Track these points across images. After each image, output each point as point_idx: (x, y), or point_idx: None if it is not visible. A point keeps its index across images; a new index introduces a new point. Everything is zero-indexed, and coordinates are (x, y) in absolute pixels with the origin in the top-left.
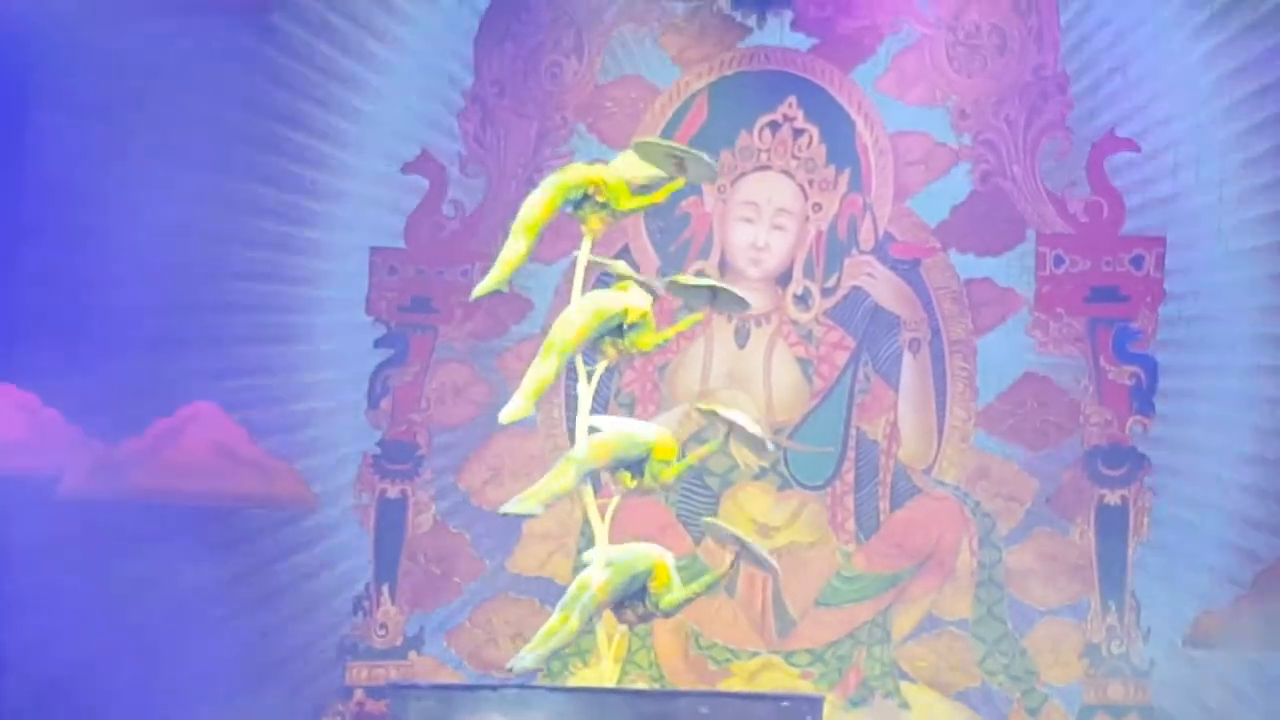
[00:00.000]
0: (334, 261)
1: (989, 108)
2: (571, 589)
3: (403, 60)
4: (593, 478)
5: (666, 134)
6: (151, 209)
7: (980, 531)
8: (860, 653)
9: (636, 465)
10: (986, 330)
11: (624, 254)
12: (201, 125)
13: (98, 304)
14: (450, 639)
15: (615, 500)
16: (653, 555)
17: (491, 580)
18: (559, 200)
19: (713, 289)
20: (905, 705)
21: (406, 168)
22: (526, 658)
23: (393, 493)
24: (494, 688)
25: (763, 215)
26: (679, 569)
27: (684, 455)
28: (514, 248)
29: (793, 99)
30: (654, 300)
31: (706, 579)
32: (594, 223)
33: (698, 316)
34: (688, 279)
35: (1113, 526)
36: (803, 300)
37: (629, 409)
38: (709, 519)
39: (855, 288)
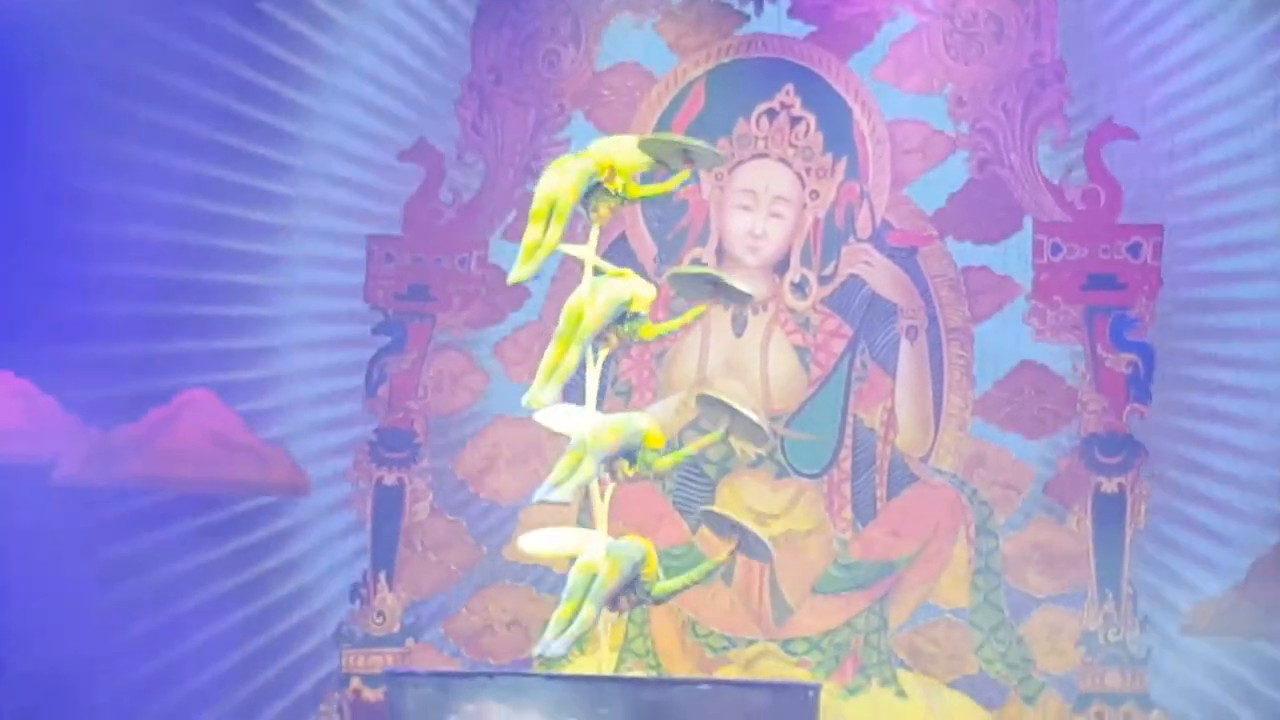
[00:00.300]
0: (331, 249)
1: (986, 96)
2: (575, 577)
3: (399, 48)
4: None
5: (664, 122)
6: (147, 198)
7: (977, 519)
8: (857, 641)
9: (633, 453)
10: (984, 318)
11: (621, 241)
12: (196, 115)
13: (94, 292)
14: (447, 626)
15: (611, 487)
16: (642, 543)
17: (488, 567)
18: (583, 184)
19: (714, 281)
20: (902, 693)
21: (404, 155)
22: (554, 645)
23: (390, 480)
24: (491, 675)
25: (760, 203)
26: (677, 557)
27: (681, 443)
28: (550, 233)
29: (790, 87)
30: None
31: (703, 567)
32: (603, 210)
33: (700, 309)
34: (689, 269)
35: (1110, 514)
36: (800, 288)
37: (626, 397)
38: (706, 508)
39: (852, 275)
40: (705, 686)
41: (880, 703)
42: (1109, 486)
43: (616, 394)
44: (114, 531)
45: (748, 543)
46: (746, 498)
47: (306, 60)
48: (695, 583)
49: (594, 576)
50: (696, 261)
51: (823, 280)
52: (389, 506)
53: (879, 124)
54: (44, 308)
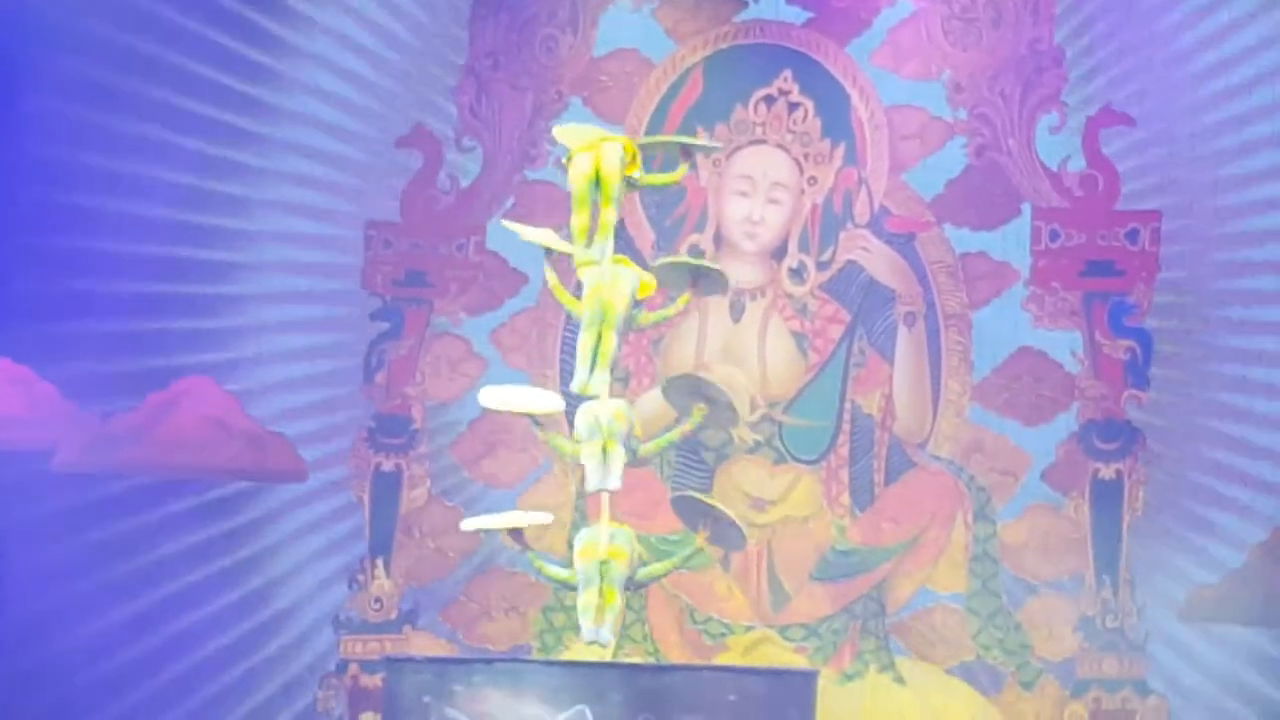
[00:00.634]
0: (329, 235)
1: (984, 82)
2: (585, 565)
3: (398, 32)
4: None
5: (662, 108)
6: (145, 184)
7: (975, 505)
8: (855, 627)
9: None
10: (982, 304)
11: (619, 228)
12: (193, 97)
13: (92, 279)
14: (445, 613)
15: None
16: (622, 527)
17: (486, 554)
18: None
19: (694, 270)
20: (900, 679)
21: (401, 141)
22: (603, 632)
23: (387, 466)
24: (489, 661)
25: (758, 189)
26: (675, 543)
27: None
28: (607, 214)
29: (788, 73)
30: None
31: (681, 555)
32: (620, 194)
33: (686, 297)
34: (668, 260)
35: (1107, 501)
36: (798, 274)
37: (624, 384)
38: (676, 495)
39: (850, 262)
40: (703, 673)
41: (878, 689)
42: (1107, 473)
43: (615, 380)
44: (112, 517)
45: (720, 530)
46: (744, 484)
47: (307, 41)
48: (675, 568)
49: (601, 562)
50: (694, 248)
51: (821, 266)
52: (387, 493)
53: (877, 110)
54: (43, 295)
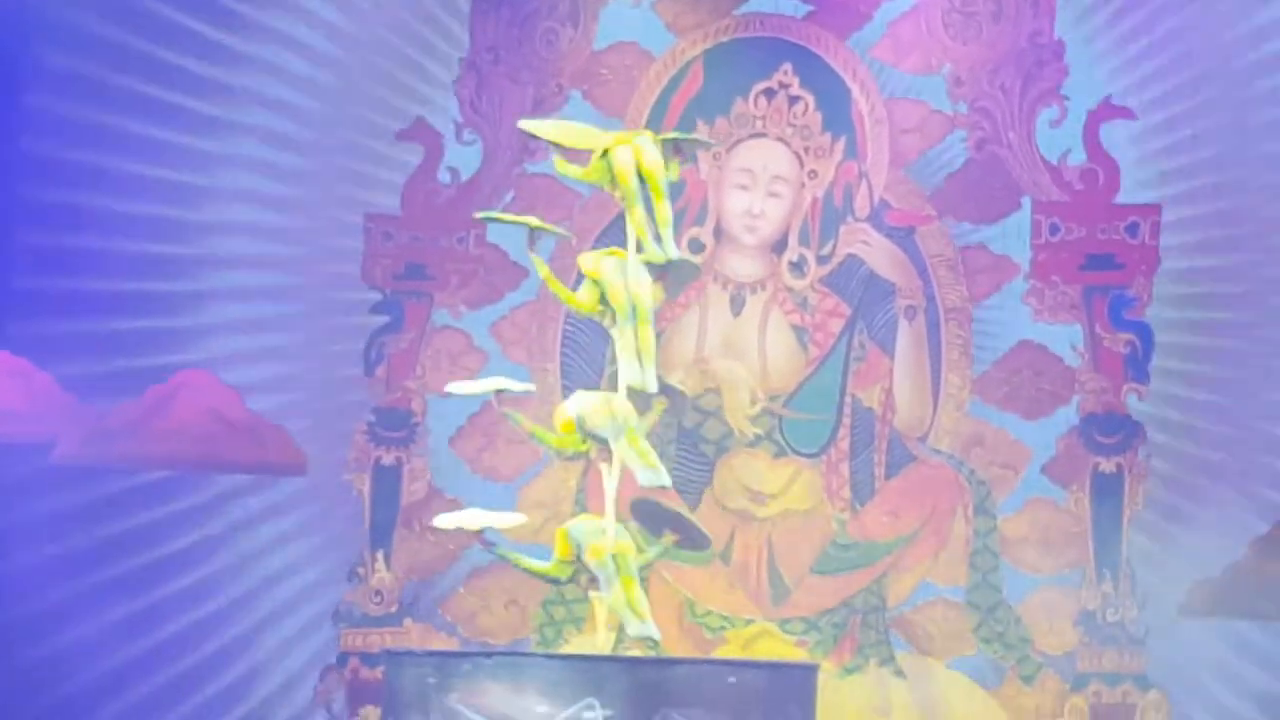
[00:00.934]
0: (329, 228)
1: (984, 75)
2: (600, 563)
3: (398, 25)
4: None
5: (662, 101)
6: (144, 175)
7: (975, 499)
8: (855, 620)
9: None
10: (982, 298)
11: (618, 221)
12: (192, 89)
13: (92, 270)
14: (445, 606)
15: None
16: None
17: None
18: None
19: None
20: (900, 673)
21: (402, 134)
22: (649, 626)
23: (387, 460)
24: (489, 655)
25: (758, 182)
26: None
27: (679, 424)
28: (662, 209)
29: (788, 66)
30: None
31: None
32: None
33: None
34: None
35: (1108, 494)
36: (798, 268)
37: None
38: (636, 498)
39: (851, 255)
40: (703, 666)
41: (878, 682)
42: (1107, 466)
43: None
44: (111, 510)
45: (684, 530)
46: (744, 477)
47: (308, 34)
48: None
49: (613, 556)
50: (694, 241)
51: (821, 260)
52: (387, 486)
53: (877, 103)
54: (42, 287)
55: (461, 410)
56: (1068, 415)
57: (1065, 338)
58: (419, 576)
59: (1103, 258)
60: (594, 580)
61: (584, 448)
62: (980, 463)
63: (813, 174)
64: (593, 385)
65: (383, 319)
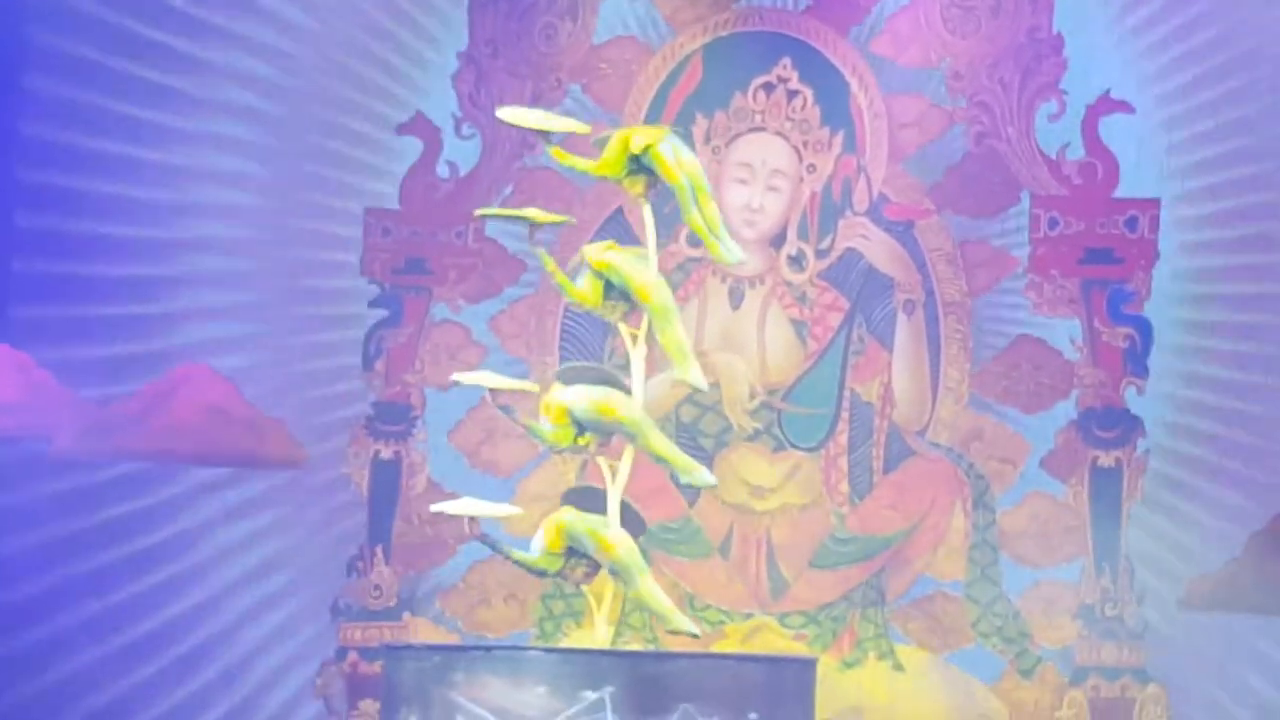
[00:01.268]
0: (328, 222)
1: (983, 70)
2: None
3: (396, 20)
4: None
5: (661, 96)
6: (145, 171)
7: (974, 493)
8: (854, 615)
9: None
10: (981, 292)
11: (618, 215)
12: (191, 86)
13: (91, 265)
14: (444, 600)
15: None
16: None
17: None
18: None
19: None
20: (899, 666)
21: (401, 129)
22: (688, 622)
23: (386, 454)
24: (488, 649)
25: (757, 177)
26: (674, 530)
27: (678, 419)
28: (709, 211)
29: (787, 60)
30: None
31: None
32: (639, 188)
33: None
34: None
35: (1107, 488)
36: (797, 262)
37: (623, 370)
38: (570, 487)
39: (849, 249)
40: (702, 660)
41: (877, 676)
42: (1106, 460)
43: (614, 367)
44: (110, 505)
45: (623, 515)
46: (743, 471)
47: (307, 30)
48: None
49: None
50: (694, 235)
51: (820, 254)
52: (386, 480)
53: (876, 98)
54: (41, 281)
55: (460, 404)
56: (1066, 409)
57: (1064, 332)
58: (418, 570)
59: (1101, 252)
60: (589, 574)
61: (584, 442)
62: (979, 456)
63: (811, 168)
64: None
65: (381, 313)
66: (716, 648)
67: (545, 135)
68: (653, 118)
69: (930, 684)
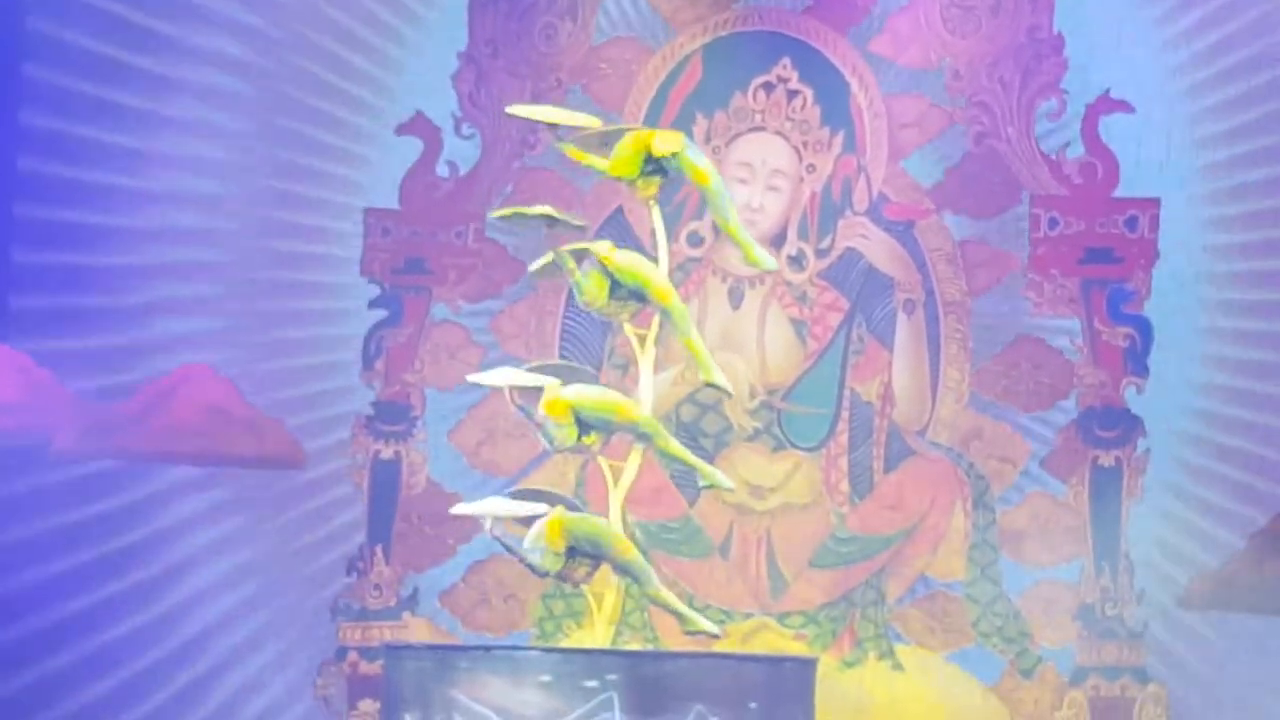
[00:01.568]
0: (328, 222)
1: (983, 70)
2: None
3: (396, 19)
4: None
5: (661, 95)
6: (145, 169)
7: (974, 493)
8: (854, 614)
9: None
10: (981, 292)
11: (618, 215)
12: (191, 83)
13: (92, 264)
14: (444, 600)
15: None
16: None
17: (485, 541)
18: None
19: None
20: (899, 666)
21: (401, 129)
22: (706, 621)
23: (386, 453)
24: (488, 648)
25: (757, 176)
26: (674, 529)
27: (678, 417)
28: (735, 217)
29: (787, 60)
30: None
31: None
32: (653, 189)
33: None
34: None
35: (1107, 488)
36: (797, 261)
37: (623, 370)
38: (515, 489)
39: (849, 249)
40: (703, 660)
41: (877, 676)
42: (1106, 460)
43: (614, 367)
44: (110, 505)
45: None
46: (743, 471)
47: (308, 30)
48: None
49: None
50: (694, 235)
51: (820, 254)
52: (386, 480)
53: (876, 98)
54: (41, 280)
55: (460, 404)
56: (1066, 409)
57: (1064, 331)
58: (418, 570)
59: (1101, 251)
60: (589, 574)
61: (589, 441)
62: (979, 456)
63: (811, 168)
64: (591, 379)
65: (381, 313)
66: (716, 648)
67: (555, 131)
68: (652, 118)
69: (930, 684)
